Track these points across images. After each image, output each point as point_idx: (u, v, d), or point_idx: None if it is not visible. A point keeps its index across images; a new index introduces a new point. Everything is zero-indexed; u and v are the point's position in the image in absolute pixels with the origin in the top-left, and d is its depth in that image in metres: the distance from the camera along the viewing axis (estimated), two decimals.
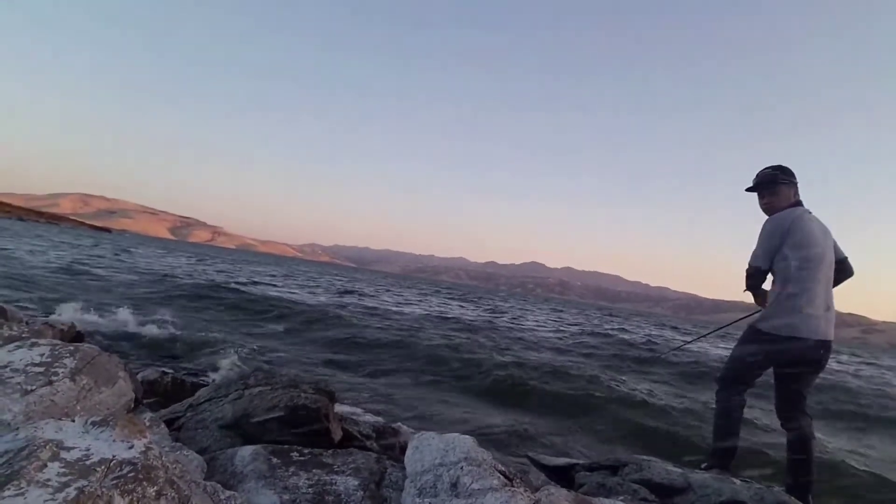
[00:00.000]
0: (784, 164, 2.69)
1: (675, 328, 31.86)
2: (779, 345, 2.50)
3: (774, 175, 2.66)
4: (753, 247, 2.61)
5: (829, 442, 5.29)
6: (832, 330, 2.52)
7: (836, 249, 2.65)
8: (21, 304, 6.94)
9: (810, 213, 2.62)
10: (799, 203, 2.64)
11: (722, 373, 2.72)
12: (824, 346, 2.49)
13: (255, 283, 18.90)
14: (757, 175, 2.72)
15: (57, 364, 2.28)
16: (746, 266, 2.63)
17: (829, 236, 2.61)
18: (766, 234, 2.56)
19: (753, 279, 2.63)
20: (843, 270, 2.68)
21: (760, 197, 2.72)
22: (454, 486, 1.69)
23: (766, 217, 2.63)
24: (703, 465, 2.64)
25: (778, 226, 2.54)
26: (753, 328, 2.63)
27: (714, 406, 2.71)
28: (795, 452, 2.50)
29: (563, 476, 2.74)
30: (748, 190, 2.75)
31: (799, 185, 2.68)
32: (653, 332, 21.97)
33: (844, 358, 21.62)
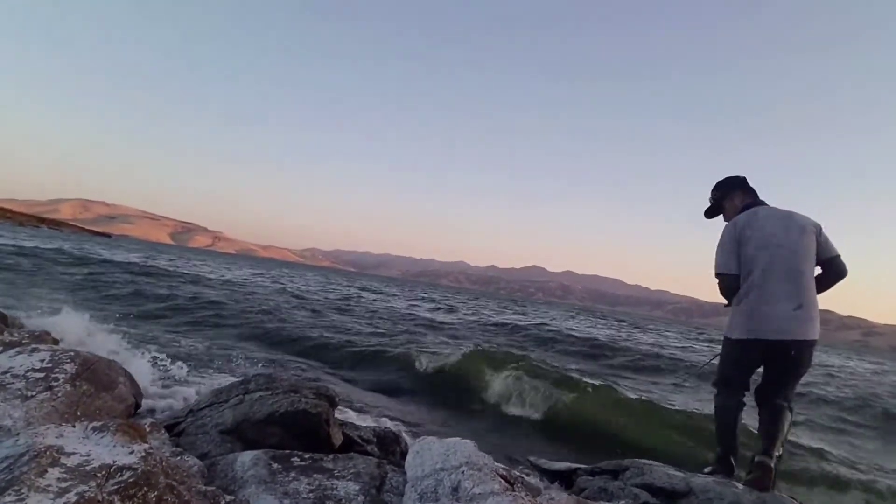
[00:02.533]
0: (719, 181, 2.78)
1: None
2: (744, 349, 2.46)
3: (713, 198, 2.78)
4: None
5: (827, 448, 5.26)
6: (807, 328, 2.34)
7: (825, 247, 2.48)
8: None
9: (769, 207, 2.57)
10: (754, 203, 2.61)
11: (715, 378, 2.70)
12: (795, 347, 2.33)
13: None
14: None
15: (57, 370, 2.29)
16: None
17: (797, 229, 2.44)
18: (722, 240, 2.56)
19: (724, 285, 2.55)
20: (832, 270, 2.50)
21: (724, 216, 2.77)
22: (455, 490, 1.68)
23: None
24: (705, 470, 2.63)
25: (730, 229, 2.54)
26: (724, 337, 2.60)
27: (713, 411, 2.70)
28: (765, 423, 2.43)
29: (564, 480, 2.74)
30: (707, 216, 2.84)
31: (749, 180, 2.71)
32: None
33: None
